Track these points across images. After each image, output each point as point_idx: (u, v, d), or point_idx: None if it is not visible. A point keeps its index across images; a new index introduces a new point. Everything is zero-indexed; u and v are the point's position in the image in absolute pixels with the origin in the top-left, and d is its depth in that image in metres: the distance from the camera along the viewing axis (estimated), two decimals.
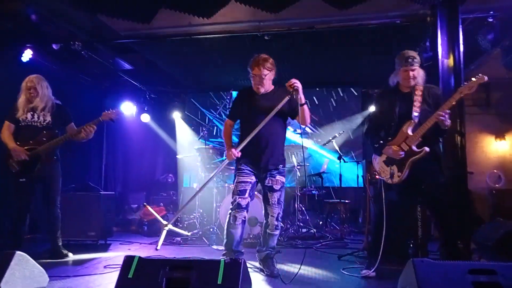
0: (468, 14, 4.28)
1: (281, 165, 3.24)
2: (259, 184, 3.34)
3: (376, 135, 3.21)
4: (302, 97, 3.04)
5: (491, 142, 6.77)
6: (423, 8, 4.34)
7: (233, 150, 3.11)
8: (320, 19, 4.77)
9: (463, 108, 3.75)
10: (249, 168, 3.19)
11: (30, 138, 3.78)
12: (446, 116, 2.82)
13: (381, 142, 3.12)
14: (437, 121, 2.85)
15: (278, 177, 3.21)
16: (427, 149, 2.92)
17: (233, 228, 3.12)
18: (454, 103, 2.85)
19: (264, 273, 3.20)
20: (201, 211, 5.62)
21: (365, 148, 7.47)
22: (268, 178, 3.19)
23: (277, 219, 3.20)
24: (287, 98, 3.03)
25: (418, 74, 3.07)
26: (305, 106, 3.11)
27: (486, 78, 2.82)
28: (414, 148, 2.95)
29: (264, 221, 3.31)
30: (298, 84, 3.02)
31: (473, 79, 2.83)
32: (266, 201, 3.24)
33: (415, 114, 2.99)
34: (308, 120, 3.19)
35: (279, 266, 3.57)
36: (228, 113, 3.42)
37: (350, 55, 6.07)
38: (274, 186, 3.19)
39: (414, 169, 2.97)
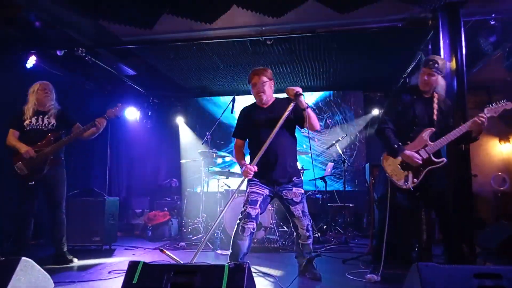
0: (469, 17, 4.28)
1: (294, 177, 3.19)
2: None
3: (393, 134, 3.08)
4: (303, 102, 3.02)
5: (495, 144, 6.75)
6: (424, 12, 4.34)
7: (248, 166, 3.05)
8: (322, 23, 4.78)
9: (466, 111, 3.75)
10: (262, 182, 3.15)
11: (37, 140, 3.82)
12: (485, 121, 2.82)
13: (400, 144, 3.03)
14: (475, 125, 2.85)
15: (294, 189, 3.17)
16: (445, 160, 2.93)
17: (240, 239, 3.03)
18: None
19: (307, 277, 3.19)
20: (205, 215, 5.62)
21: (368, 151, 7.48)
22: (284, 191, 3.16)
23: (307, 230, 3.18)
24: (292, 105, 3.03)
25: (436, 81, 3.06)
26: (309, 110, 3.07)
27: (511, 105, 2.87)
28: (432, 157, 2.94)
29: (294, 232, 3.29)
30: (299, 89, 3.02)
31: (500, 103, 2.89)
32: (291, 215, 3.20)
33: (435, 118, 3.01)
34: (316, 124, 3.13)
35: (284, 270, 3.57)
36: (233, 132, 3.38)
37: (352, 59, 6.08)
38: (294, 199, 3.15)
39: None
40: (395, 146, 3.02)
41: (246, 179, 3.20)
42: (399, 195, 3.03)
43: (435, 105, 3.05)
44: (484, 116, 2.84)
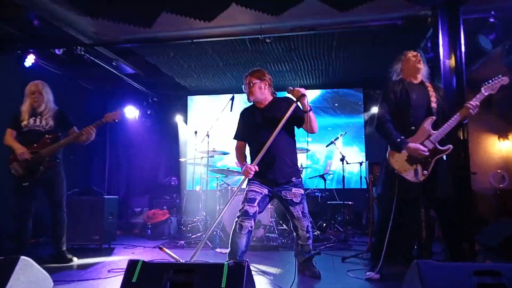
0: (469, 14, 4.27)
1: (293, 178, 3.17)
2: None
3: (394, 129, 3.02)
4: (307, 104, 3.00)
5: (495, 142, 6.74)
6: (424, 9, 4.34)
7: (249, 165, 3.03)
8: (321, 21, 4.77)
9: None
10: (261, 182, 3.15)
11: (34, 141, 3.80)
12: (475, 109, 2.86)
13: (403, 137, 2.97)
14: (465, 113, 2.88)
15: (294, 190, 3.15)
16: (451, 146, 2.92)
17: (238, 237, 3.03)
18: (478, 103, 2.91)
19: (306, 275, 3.19)
20: (204, 214, 5.62)
21: (367, 149, 7.48)
22: (283, 192, 3.14)
23: (307, 232, 3.17)
24: (294, 105, 3.01)
25: (423, 68, 3.11)
26: (311, 113, 3.06)
27: (508, 79, 2.88)
28: (438, 146, 2.92)
29: (294, 233, 3.28)
30: (304, 91, 2.99)
31: (496, 79, 2.92)
32: (290, 215, 3.19)
33: (434, 106, 3.00)
34: (315, 127, 3.12)
35: (283, 269, 3.57)
36: (234, 135, 3.37)
37: (351, 57, 6.08)
38: (294, 199, 3.14)
39: None
40: (398, 140, 2.96)
41: (247, 179, 3.20)
42: (406, 191, 2.98)
43: (432, 93, 3.05)
44: (472, 104, 2.87)
